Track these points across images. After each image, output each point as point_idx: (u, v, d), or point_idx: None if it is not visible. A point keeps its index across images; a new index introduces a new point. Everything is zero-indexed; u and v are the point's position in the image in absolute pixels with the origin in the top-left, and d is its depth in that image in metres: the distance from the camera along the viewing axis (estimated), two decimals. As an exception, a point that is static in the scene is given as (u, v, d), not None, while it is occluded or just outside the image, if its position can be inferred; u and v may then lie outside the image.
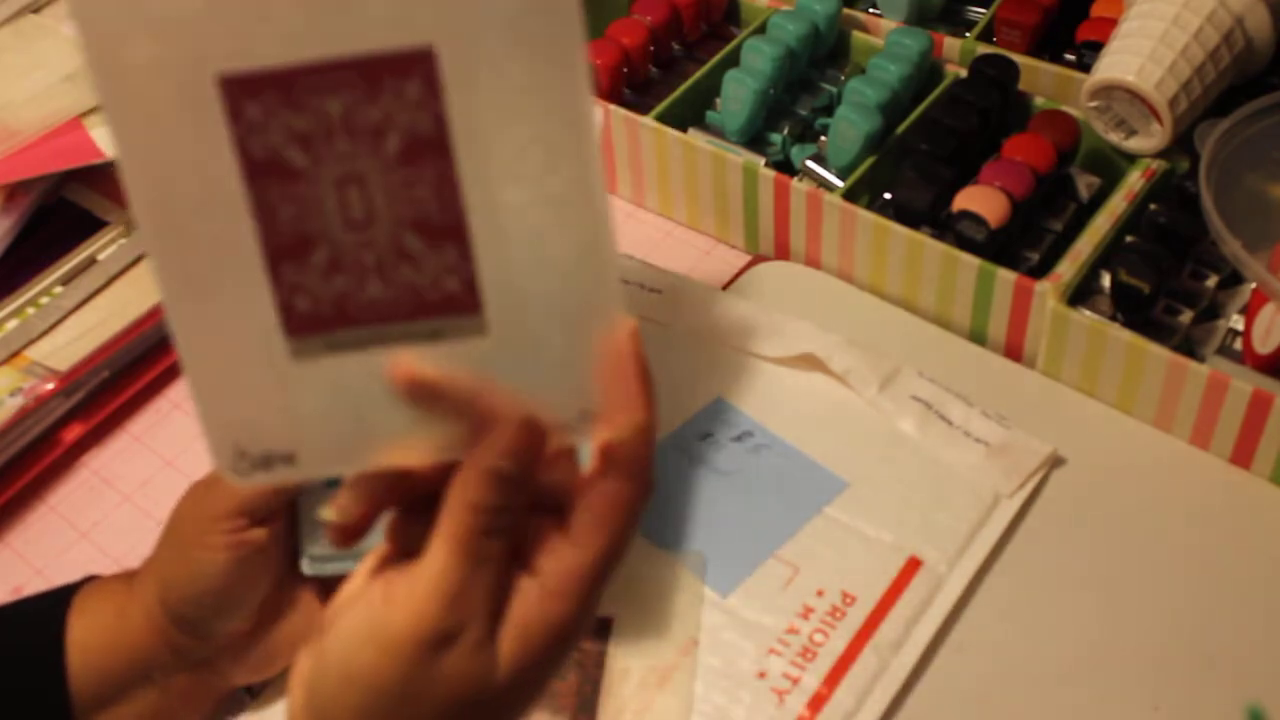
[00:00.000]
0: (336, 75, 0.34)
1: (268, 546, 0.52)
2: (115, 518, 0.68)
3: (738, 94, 0.77)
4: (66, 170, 0.76)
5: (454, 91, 0.34)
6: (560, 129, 0.34)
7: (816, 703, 0.56)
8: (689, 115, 0.82)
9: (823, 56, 0.84)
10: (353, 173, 0.35)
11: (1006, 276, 0.68)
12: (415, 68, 0.34)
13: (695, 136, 0.79)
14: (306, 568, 0.54)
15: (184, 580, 0.52)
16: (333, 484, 0.48)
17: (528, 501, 0.36)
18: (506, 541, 0.36)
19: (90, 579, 0.55)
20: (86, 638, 0.52)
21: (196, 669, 0.54)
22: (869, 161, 0.75)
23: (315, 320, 0.36)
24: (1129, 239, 0.69)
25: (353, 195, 0.35)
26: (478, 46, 0.34)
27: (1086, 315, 0.66)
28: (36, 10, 0.89)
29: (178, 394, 0.74)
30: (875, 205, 0.75)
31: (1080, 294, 0.68)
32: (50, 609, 0.53)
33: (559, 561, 0.36)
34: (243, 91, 0.34)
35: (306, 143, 0.34)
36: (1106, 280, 0.68)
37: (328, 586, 0.56)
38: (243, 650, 0.54)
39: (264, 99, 0.34)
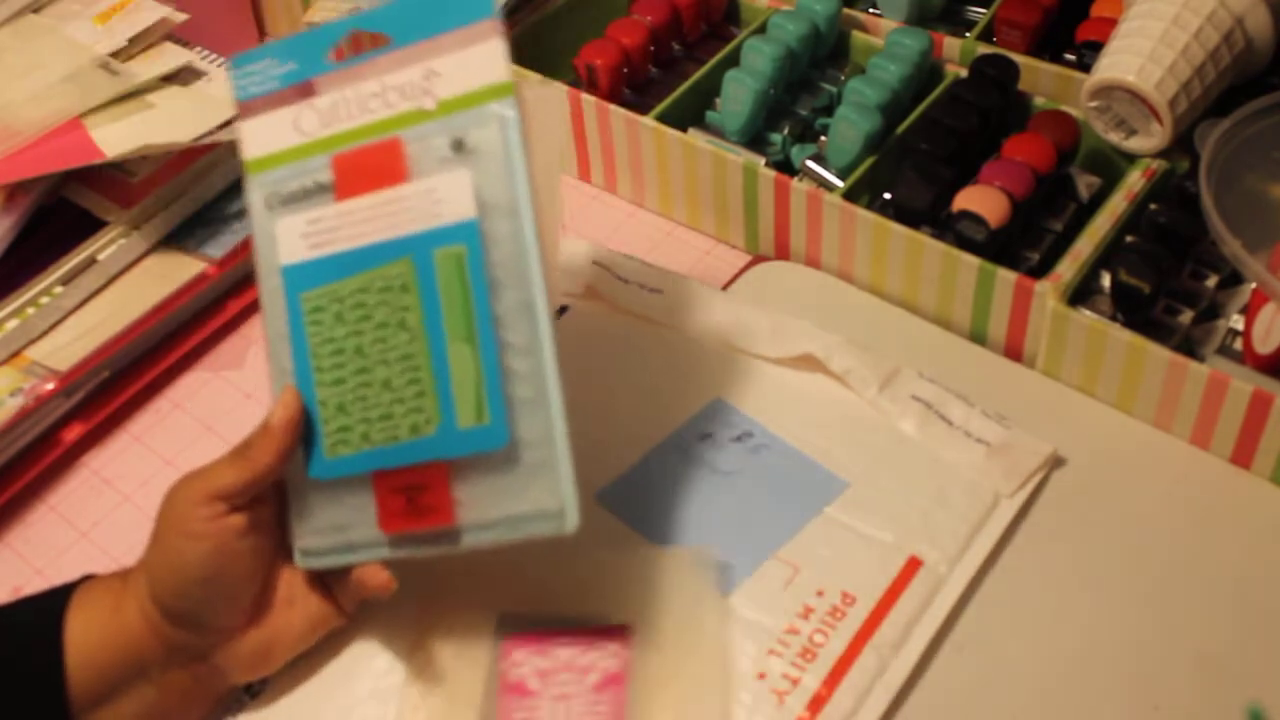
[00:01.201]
0: (574, 637, 0.56)
1: (249, 533, 0.52)
2: (115, 518, 0.68)
3: (738, 94, 0.77)
4: (66, 170, 0.76)
5: (636, 649, 0.56)
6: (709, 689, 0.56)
7: (816, 703, 0.56)
8: (689, 115, 0.82)
9: (823, 56, 0.84)
10: (564, 695, 0.54)
11: (1006, 276, 0.68)
12: (618, 634, 0.56)
13: (695, 136, 0.79)
14: (299, 561, 0.55)
15: (167, 571, 0.52)
16: (319, 473, 0.53)
17: None
18: None
19: (88, 578, 0.55)
20: (84, 635, 0.52)
21: (193, 665, 0.54)
22: (869, 161, 0.75)
23: None
24: (1129, 239, 0.69)
25: (560, 711, 0.54)
26: (663, 619, 0.57)
27: (1086, 315, 0.66)
28: (36, 10, 0.89)
29: (178, 394, 0.75)
30: (875, 205, 0.75)
31: (1080, 294, 0.68)
32: (48, 607, 0.53)
33: None
34: (513, 640, 0.56)
35: (543, 674, 0.55)
36: (1106, 280, 0.68)
37: (326, 583, 0.56)
38: (239, 646, 0.54)
39: (526, 645, 0.56)
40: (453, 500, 0.51)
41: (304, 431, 0.53)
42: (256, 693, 0.58)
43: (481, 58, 0.51)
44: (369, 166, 0.53)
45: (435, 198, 0.51)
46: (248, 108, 0.56)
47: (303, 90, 0.55)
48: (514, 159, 0.50)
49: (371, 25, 0.54)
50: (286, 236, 0.54)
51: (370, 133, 0.53)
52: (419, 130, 0.52)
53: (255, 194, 0.55)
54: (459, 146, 0.51)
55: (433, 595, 0.59)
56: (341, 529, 0.53)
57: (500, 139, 0.51)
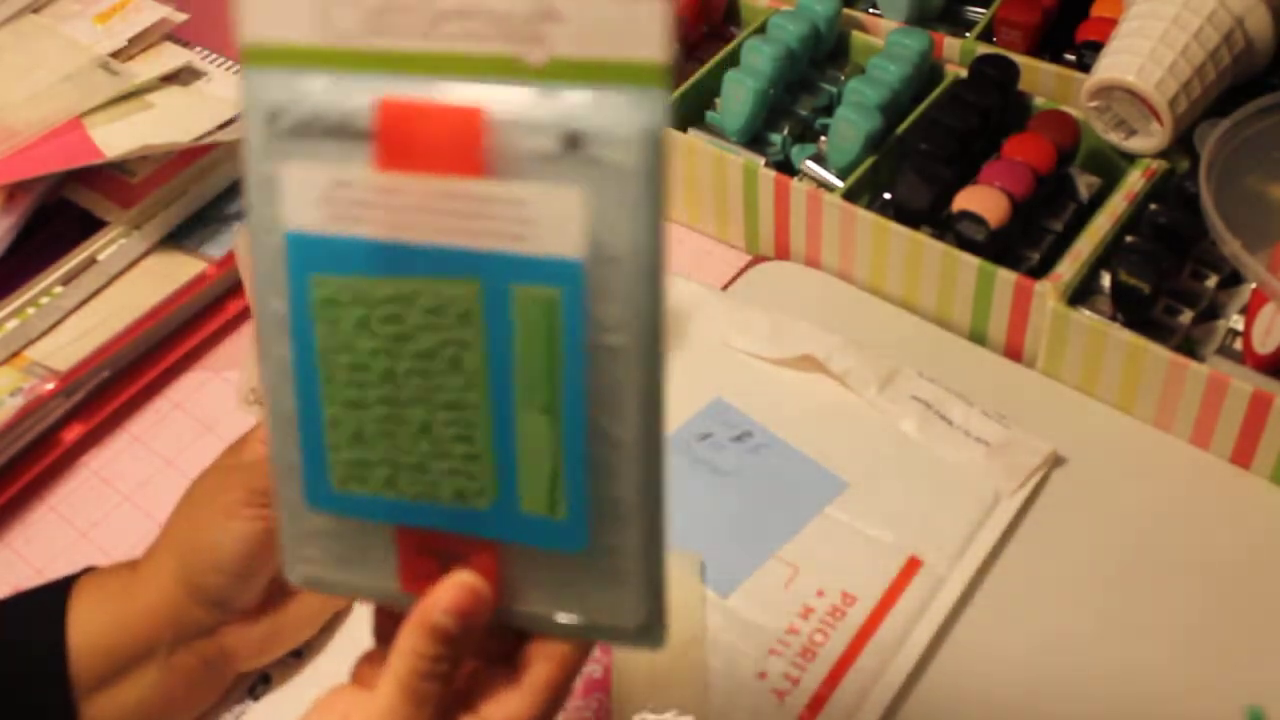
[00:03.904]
0: None
1: None
2: (115, 518, 0.68)
3: (738, 94, 0.77)
4: (66, 170, 0.76)
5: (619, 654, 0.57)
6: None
7: (816, 703, 0.56)
8: (689, 115, 0.82)
9: (823, 56, 0.84)
10: None
11: (1006, 276, 0.68)
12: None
13: (695, 136, 0.79)
14: (299, 581, 0.43)
15: (204, 549, 0.53)
16: (320, 504, 0.41)
17: (471, 652, 0.40)
18: (447, 684, 0.39)
19: (89, 570, 0.55)
20: (89, 618, 0.53)
21: (203, 647, 0.54)
22: (869, 161, 0.75)
23: None
24: (1129, 239, 0.69)
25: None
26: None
27: (1086, 315, 0.66)
28: (36, 10, 0.89)
29: (178, 394, 0.75)
30: (875, 205, 0.75)
31: (1080, 294, 0.68)
32: (50, 595, 0.54)
33: (503, 709, 0.40)
34: None
35: None
36: (1106, 280, 0.68)
37: None
38: (251, 629, 0.55)
39: None
40: (500, 583, 0.40)
41: (301, 442, 0.39)
42: (260, 695, 0.58)
43: (633, 17, 0.35)
44: (431, 135, 0.36)
45: (524, 215, 0.36)
46: None
47: None
48: (653, 186, 0.36)
49: None
50: (297, 190, 0.37)
51: (437, 66, 0.36)
52: (510, 97, 0.35)
53: (254, 102, 0.37)
54: (573, 143, 0.35)
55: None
56: (349, 565, 0.41)
57: (641, 151, 0.36)
